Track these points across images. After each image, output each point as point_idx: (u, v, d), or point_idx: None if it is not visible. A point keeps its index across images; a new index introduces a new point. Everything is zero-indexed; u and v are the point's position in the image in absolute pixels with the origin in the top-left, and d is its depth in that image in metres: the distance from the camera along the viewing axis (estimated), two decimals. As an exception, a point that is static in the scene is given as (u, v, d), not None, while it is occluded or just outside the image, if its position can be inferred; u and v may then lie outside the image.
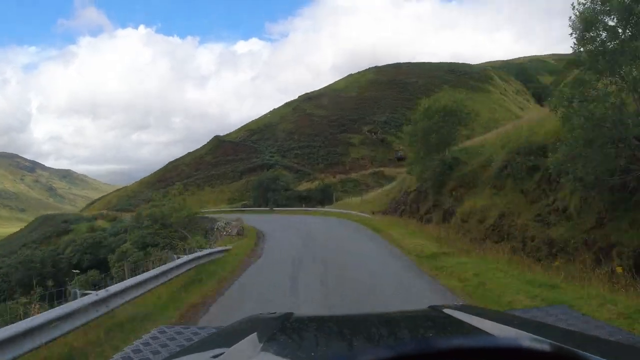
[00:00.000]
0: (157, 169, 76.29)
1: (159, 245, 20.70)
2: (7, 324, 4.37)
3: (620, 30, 8.16)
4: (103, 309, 5.63)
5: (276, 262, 12.15)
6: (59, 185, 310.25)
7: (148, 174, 77.20)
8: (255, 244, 16.65)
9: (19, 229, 64.58)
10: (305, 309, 6.69)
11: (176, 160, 74.99)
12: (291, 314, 1.36)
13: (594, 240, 8.91)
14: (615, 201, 8.65)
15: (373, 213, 25.04)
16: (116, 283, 7.04)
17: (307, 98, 79.15)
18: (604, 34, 8.22)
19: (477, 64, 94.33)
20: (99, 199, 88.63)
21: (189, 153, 74.77)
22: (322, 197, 40.01)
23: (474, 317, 1.07)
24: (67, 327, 4.85)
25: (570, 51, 9.28)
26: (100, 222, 43.65)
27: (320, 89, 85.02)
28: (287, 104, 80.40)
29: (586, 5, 8.23)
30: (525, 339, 0.72)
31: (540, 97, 66.01)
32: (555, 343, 0.72)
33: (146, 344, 1.40)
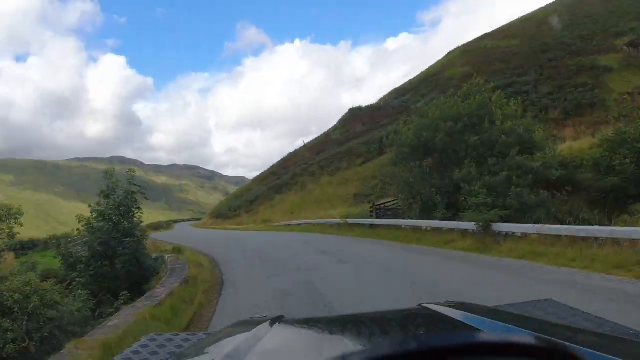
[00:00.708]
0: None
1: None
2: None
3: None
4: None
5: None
6: (234, 191, 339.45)
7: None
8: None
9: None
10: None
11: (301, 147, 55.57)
12: (282, 317, 1.33)
13: None
14: None
15: None
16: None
17: (483, 37, 49.79)
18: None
19: None
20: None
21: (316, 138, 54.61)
22: None
23: (464, 313, 1.11)
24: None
25: None
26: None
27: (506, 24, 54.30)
28: (449, 53, 52.51)
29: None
30: (516, 334, 0.73)
31: None
32: (545, 337, 0.73)
33: (136, 352, 1.42)
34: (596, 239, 8.70)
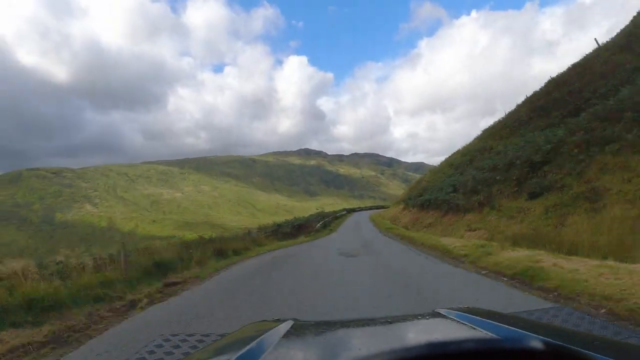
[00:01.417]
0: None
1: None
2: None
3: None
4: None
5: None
6: (413, 177, 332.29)
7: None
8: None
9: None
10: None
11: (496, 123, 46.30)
12: (296, 319, 1.36)
13: None
14: None
15: None
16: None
17: None
18: None
19: None
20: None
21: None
22: None
23: (478, 319, 1.10)
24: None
25: None
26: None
27: None
28: None
29: None
30: (531, 341, 0.73)
31: None
32: (561, 344, 0.73)
33: (151, 352, 1.49)
34: None
